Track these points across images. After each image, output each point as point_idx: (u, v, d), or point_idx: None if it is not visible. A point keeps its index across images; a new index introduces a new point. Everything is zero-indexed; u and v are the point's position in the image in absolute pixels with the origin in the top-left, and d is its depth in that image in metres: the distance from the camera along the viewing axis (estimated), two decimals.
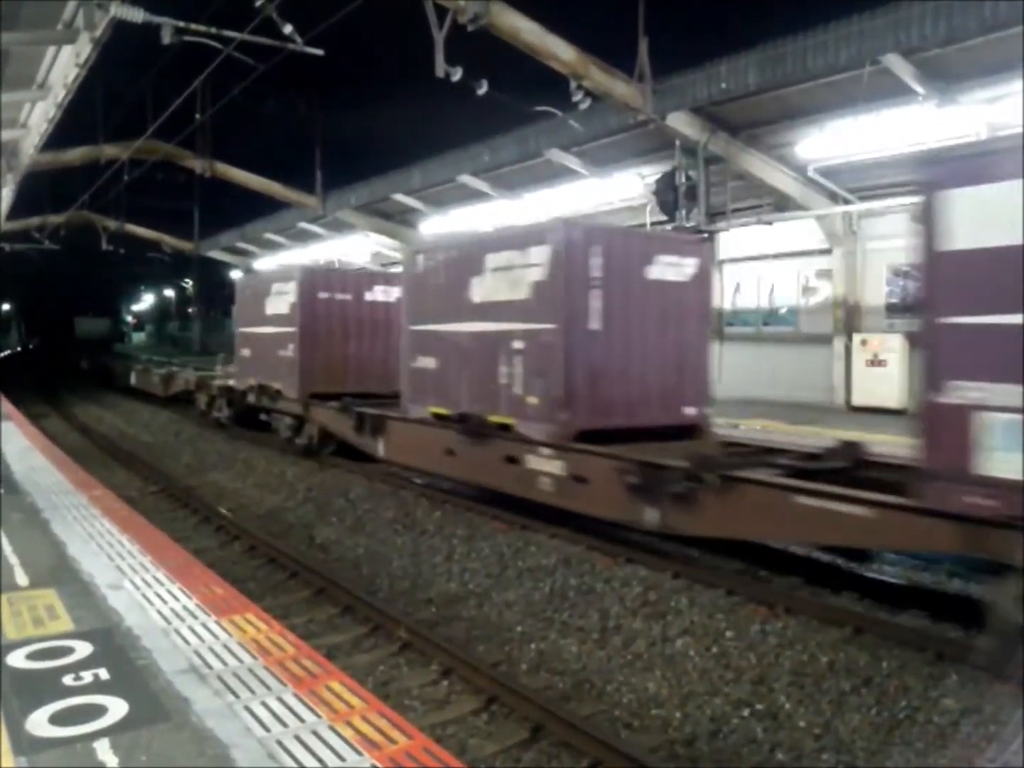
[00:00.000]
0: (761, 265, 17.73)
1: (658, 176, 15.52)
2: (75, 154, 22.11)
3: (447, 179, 20.43)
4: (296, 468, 13.37)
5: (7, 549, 5.56)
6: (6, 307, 76.53)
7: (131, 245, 37.16)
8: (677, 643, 6.36)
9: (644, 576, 7.58)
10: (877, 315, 15.92)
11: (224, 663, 3.76)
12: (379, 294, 14.47)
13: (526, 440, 8.93)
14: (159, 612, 4.40)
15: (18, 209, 24.33)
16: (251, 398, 15.70)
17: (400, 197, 22.81)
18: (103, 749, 2.97)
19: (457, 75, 11.45)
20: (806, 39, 12.05)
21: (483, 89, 11.96)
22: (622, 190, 17.49)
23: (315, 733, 3.12)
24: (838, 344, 16.07)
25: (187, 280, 51.33)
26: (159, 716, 3.21)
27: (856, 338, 15.69)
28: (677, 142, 14.76)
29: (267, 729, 3.15)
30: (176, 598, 4.65)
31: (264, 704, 3.35)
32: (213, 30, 9.88)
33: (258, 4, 9.54)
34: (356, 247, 28.71)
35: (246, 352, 16.26)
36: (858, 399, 15.50)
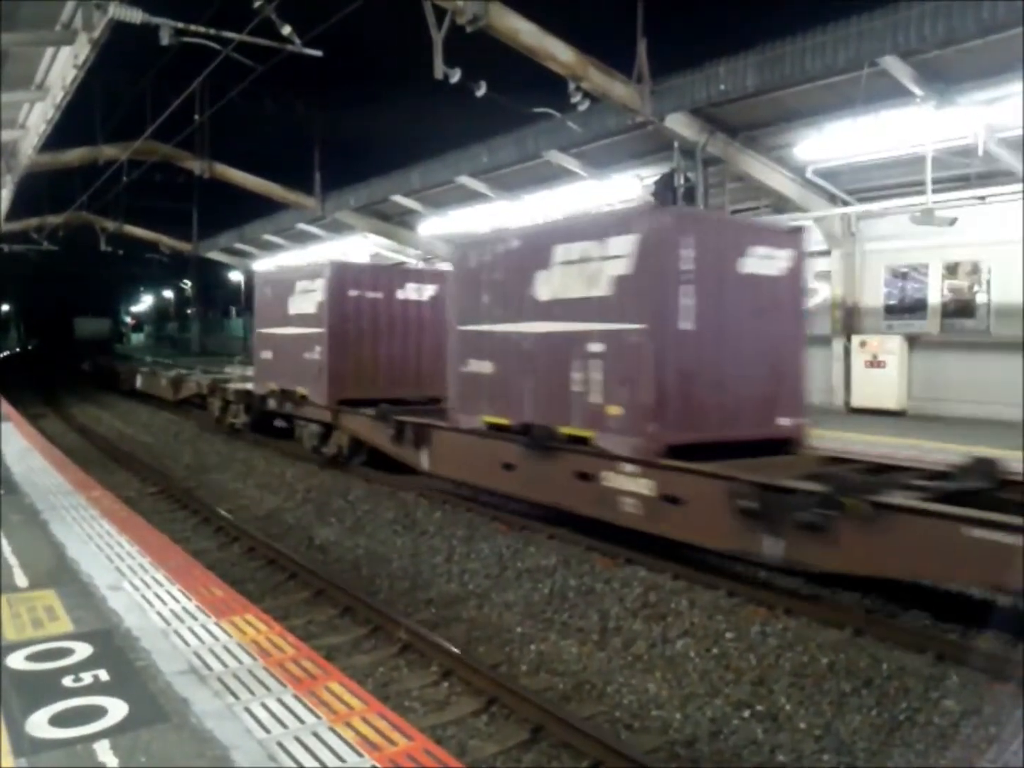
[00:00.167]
0: None
1: (657, 177, 15.52)
2: (74, 155, 22.08)
3: (446, 180, 20.43)
4: (295, 469, 13.36)
5: (7, 550, 5.56)
6: (5, 308, 76.53)
7: (130, 246, 37.17)
8: (677, 644, 6.36)
9: (644, 577, 7.58)
10: (876, 316, 15.95)
11: (224, 664, 3.75)
12: (411, 292, 13.54)
13: (605, 455, 7.98)
14: (159, 613, 4.39)
15: (17, 210, 24.31)
16: (272, 404, 14.88)
17: (399, 198, 22.80)
18: (103, 750, 2.97)
19: (456, 76, 11.44)
20: (804, 41, 12.05)
21: (482, 90, 11.95)
22: (621, 191, 17.49)
23: (315, 734, 3.12)
24: (837, 345, 16.09)
25: (186, 281, 51.30)
26: (159, 717, 3.21)
27: (855, 339, 15.71)
28: (675, 143, 14.76)
29: (267, 730, 3.14)
30: (176, 599, 4.65)
31: (264, 705, 3.35)
32: (212, 31, 9.87)
33: (257, 5, 9.53)
34: (355, 248, 28.70)
35: (267, 355, 15.29)
36: (857, 401, 15.51)
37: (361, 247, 28.43)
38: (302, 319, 13.76)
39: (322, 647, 6.02)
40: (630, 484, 7.71)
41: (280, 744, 3.04)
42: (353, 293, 13.11)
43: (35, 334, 69.89)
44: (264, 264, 37.02)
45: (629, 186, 17.22)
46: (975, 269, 14.51)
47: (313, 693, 3.47)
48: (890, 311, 15.76)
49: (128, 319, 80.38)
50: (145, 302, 78.44)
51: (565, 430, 8.49)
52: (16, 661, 3.72)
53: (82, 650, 3.85)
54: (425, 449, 10.66)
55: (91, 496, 7.58)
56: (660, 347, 7.66)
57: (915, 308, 15.36)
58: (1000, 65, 10.79)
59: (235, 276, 44.04)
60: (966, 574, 5.87)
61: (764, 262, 8.37)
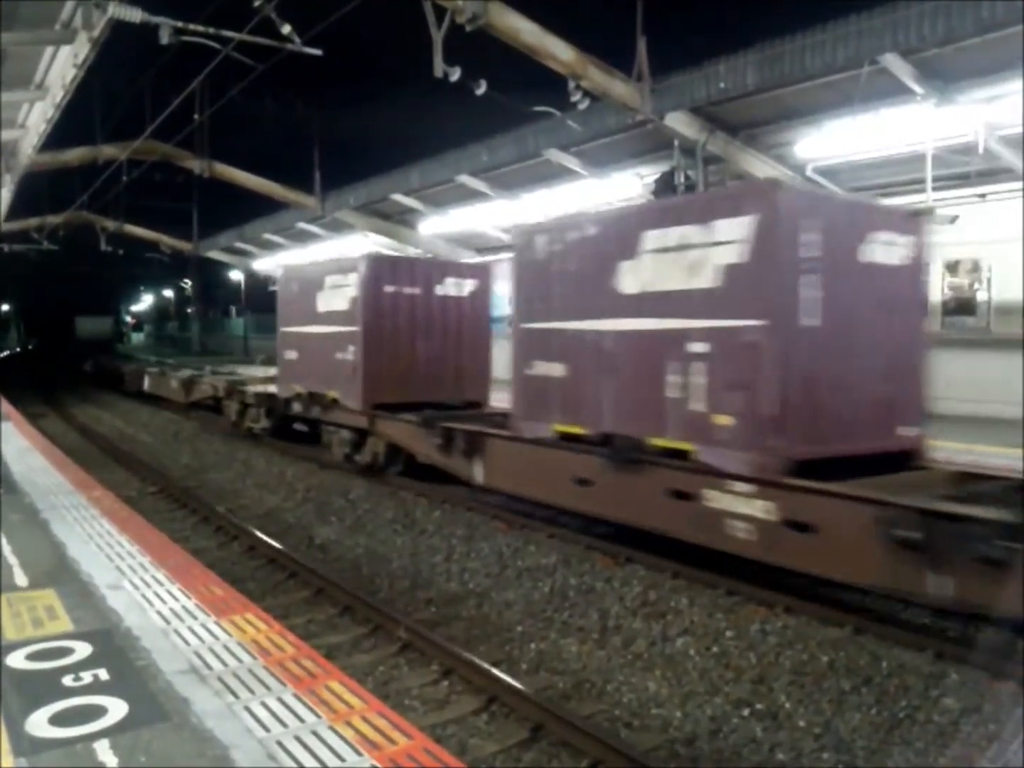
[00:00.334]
0: None
1: (657, 176, 15.50)
2: (73, 154, 22.07)
3: (446, 179, 20.42)
4: (295, 468, 13.36)
5: (7, 549, 5.56)
6: (5, 308, 76.54)
7: (130, 245, 37.16)
8: (677, 643, 6.37)
9: (644, 575, 7.59)
10: None
11: (224, 663, 3.75)
12: (451, 287, 12.61)
13: (711, 472, 7.02)
14: (159, 612, 4.40)
15: (17, 209, 24.29)
16: (297, 408, 13.95)
17: (399, 197, 22.80)
18: (103, 750, 2.97)
19: (456, 75, 11.43)
20: (804, 39, 12.03)
21: (482, 89, 11.94)
22: (621, 190, 17.46)
23: (315, 733, 3.12)
24: None
25: (186, 280, 51.32)
26: (159, 717, 3.21)
27: None
28: (675, 142, 14.75)
29: (267, 729, 3.15)
30: (175, 598, 4.65)
31: (264, 704, 3.35)
32: (211, 30, 9.87)
33: (256, 4, 9.53)
34: (355, 247, 28.71)
35: (291, 355, 14.26)
36: None
37: (361, 246, 28.44)
38: (332, 316, 12.84)
39: (322, 646, 6.03)
40: (741, 506, 6.73)
41: (280, 743, 3.04)
42: (389, 288, 12.22)
43: (35, 334, 69.90)
44: (264, 263, 37.07)
45: (629, 185, 17.21)
46: (975, 267, 14.51)
47: (313, 692, 3.47)
48: None
49: (128, 318, 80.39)
50: (145, 301, 78.48)
51: (657, 442, 7.51)
52: (16, 660, 3.72)
53: (82, 649, 3.85)
54: (479, 460, 9.75)
55: (91, 495, 7.58)
56: (783, 347, 6.65)
57: None
58: (1000, 63, 10.79)
59: (235, 275, 44.07)
60: None
61: (885, 249, 7.37)
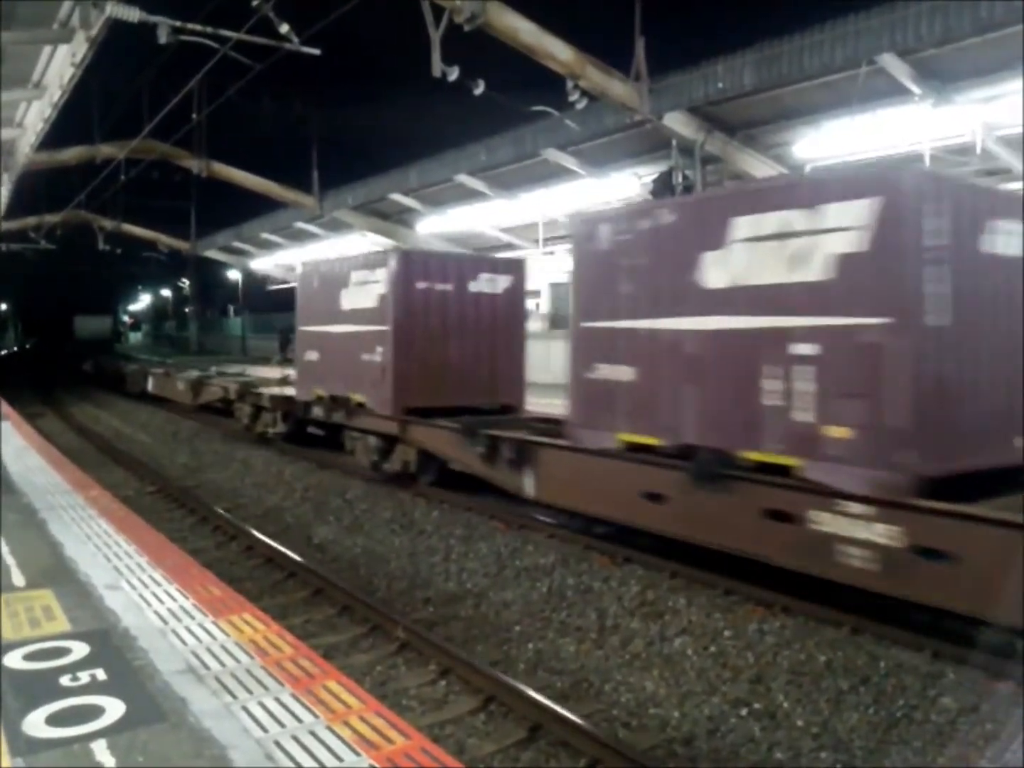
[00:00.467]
0: None
1: (655, 176, 15.51)
2: (71, 153, 22.06)
3: (444, 179, 20.43)
4: (293, 467, 13.35)
5: (4, 549, 5.55)
6: (3, 307, 76.49)
7: (128, 245, 37.18)
8: (675, 642, 6.37)
9: (642, 575, 7.59)
10: None
11: (221, 663, 3.75)
12: (484, 284, 11.88)
13: (820, 490, 6.20)
14: (156, 612, 4.39)
15: (15, 209, 24.30)
16: (317, 412, 13.21)
17: (397, 197, 22.81)
18: (100, 750, 2.97)
19: (454, 75, 11.44)
20: (802, 39, 12.05)
21: (480, 89, 11.95)
22: (619, 190, 17.49)
23: (313, 733, 3.12)
24: None
25: (184, 280, 51.30)
26: (156, 717, 3.21)
27: None
28: (674, 142, 14.76)
29: (265, 729, 3.15)
30: (173, 598, 4.65)
31: (261, 704, 3.35)
32: (209, 29, 9.87)
33: (254, 3, 9.53)
34: (353, 247, 28.71)
35: (312, 356, 13.45)
36: None
37: (359, 245, 28.44)
38: (359, 315, 12.07)
39: (320, 646, 6.02)
40: (858, 530, 5.94)
41: (278, 743, 3.04)
42: (421, 285, 11.43)
43: (33, 333, 69.84)
44: (262, 263, 37.06)
45: (627, 184, 17.22)
46: None
47: (311, 692, 3.47)
48: None
49: (126, 318, 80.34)
50: (143, 301, 78.44)
51: (751, 455, 6.70)
52: (13, 660, 3.71)
53: (79, 649, 3.84)
54: (530, 472, 8.95)
55: (89, 495, 7.57)
56: (912, 348, 5.87)
57: None
58: (998, 63, 10.80)
59: (233, 275, 44.05)
60: None
61: (1007, 239, 6.50)
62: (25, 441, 11.08)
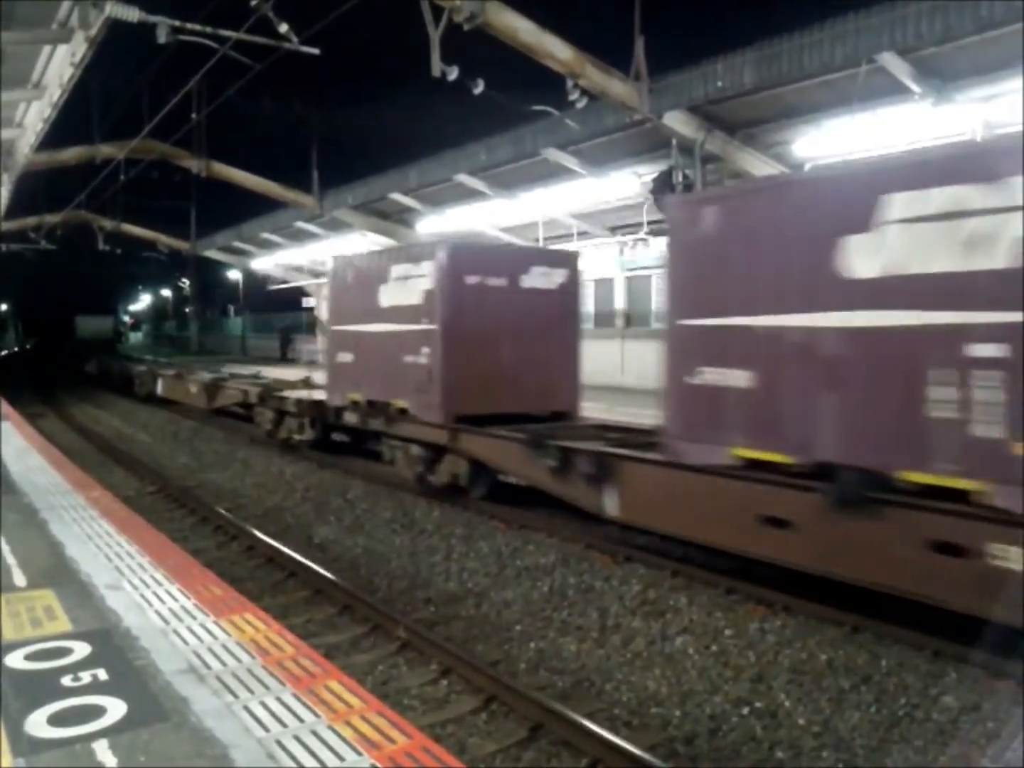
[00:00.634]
0: None
1: (655, 175, 15.51)
2: (71, 154, 22.06)
3: (444, 178, 20.42)
4: (294, 467, 13.36)
5: (5, 549, 5.55)
6: (3, 307, 76.51)
7: (128, 245, 37.18)
8: (676, 641, 6.37)
9: (643, 574, 7.59)
10: None
11: (223, 663, 3.75)
12: (538, 278, 10.89)
13: (1008, 520, 5.21)
14: (157, 612, 4.39)
15: (15, 209, 24.30)
16: (352, 418, 12.18)
17: (397, 196, 22.79)
18: (102, 750, 2.96)
19: (453, 74, 11.43)
20: (802, 38, 12.05)
21: (479, 88, 11.95)
22: (619, 189, 17.50)
23: (314, 733, 3.12)
24: None
25: (184, 280, 51.30)
26: (158, 716, 3.21)
27: None
28: (673, 141, 14.75)
29: (266, 729, 3.14)
30: (174, 598, 4.65)
31: (263, 704, 3.35)
32: (209, 29, 9.87)
33: (254, 3, 9.53)
34: (353, 246, 28.72)
35: (345, 358, 12.41)
36: None
37: (359, 245, 28.45)
38: (401, 313, 11.05)
39: (321, 646, 6.02)
40: None
41: (279, 743, 3.04)
42: (472, 280, 10.44)
43: (33, 333, 69.82)
44: (262, 262, 37.04)
45: (627, 184, 17.22)
46: None
47: (312, 692, 3.47)
48: None
49: (126, 318, 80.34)
50: (143, 301, 78.44)
51: (912, 477, 5.72)
52: (15, 660, 3.71)
53: (81, 649, 3.84)
54: (612, 489, 8.00)
55: (90, 495, 7.57)
56: None
57: None
58: (998, 62, 10.80)
59: (233, 275, 44.04)
60: None
61: None
62: (26, 441, 11.08)
